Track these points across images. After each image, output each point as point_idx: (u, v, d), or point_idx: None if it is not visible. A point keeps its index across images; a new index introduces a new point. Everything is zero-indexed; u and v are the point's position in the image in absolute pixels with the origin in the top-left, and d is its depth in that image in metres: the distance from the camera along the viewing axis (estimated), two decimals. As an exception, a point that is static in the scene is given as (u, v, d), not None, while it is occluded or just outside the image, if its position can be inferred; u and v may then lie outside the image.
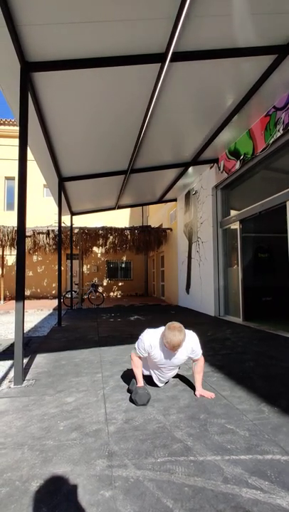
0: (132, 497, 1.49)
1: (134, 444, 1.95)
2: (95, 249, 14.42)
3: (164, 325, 2.66)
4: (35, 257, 15.41)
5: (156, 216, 15.05)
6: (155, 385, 2.90)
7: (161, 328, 2.67)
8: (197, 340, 2.79)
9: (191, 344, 2.70)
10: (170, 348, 2.51)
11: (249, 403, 2.54)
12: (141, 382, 2.70)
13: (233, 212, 7.61)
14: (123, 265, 16.85)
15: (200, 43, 3.66)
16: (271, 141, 5.51)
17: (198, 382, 2.79)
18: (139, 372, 2.74)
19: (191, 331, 2.77)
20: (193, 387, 2.90)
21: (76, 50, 3.50)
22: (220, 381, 3.06)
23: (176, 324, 2.53)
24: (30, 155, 4.66)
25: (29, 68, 3.56)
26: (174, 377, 3.16)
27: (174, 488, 1.55)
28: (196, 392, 2.74)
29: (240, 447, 1.89)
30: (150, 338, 2.67)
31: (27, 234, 11.95)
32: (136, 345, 2.75)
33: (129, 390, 2.80)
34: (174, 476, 1.64)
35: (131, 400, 2.61)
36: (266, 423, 2.19)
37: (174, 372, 2.94)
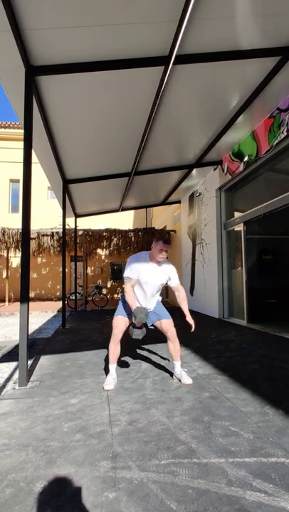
0: (135, 499, 1.49)
1: (138, 445, 1.95)
2: (99, 251, 14.45)
3: None
4: (39, 259, 15.47)
5: (160, 218, 15.06)
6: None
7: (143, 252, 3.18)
8: (173, 268, 3.24)
9: (168, 264, 3.16)
10: (161, 248, 2.95)
11: (253, 405, 2.53)
12: (136, 305, 2.95)
13: (237, 214, 7.60)
14: (127, 267, 16.84)
15: (203, 45, 3.67)
16: (275, 143, 5.50)
17: (185, 310, 3.15)
18: (132, 297, 3.00)
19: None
20: (197, 390, 2.89)
21: (80, 54, 3.53)
22: (224, 383, 3.05)
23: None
24: (34, 157, 4.70)
25: (34, 72, 3.60)
26: (177, 379, 3.16)
27: (177, 490, 1.55)
28: (187, 318, 3.08)
29: (245, 450, 1.89)
30: (136, 258, 3.11)
31: (31, 236, 12.02)
32: (126, 271, 3.06)
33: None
34: (177, 478, 1.63)
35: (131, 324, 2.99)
36: (270, 425, 2.18)
37: (156, 300, 3.28)
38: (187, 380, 3.08)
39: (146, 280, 3.07)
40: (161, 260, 3.04)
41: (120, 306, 3.22)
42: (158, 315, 3.21)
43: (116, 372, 3.21)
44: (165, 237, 3.01)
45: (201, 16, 3.21)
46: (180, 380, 3.12)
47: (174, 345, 3.20)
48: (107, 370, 3.34)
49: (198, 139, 6.31)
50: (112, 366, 3.18)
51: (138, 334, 2.94)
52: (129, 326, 3.08)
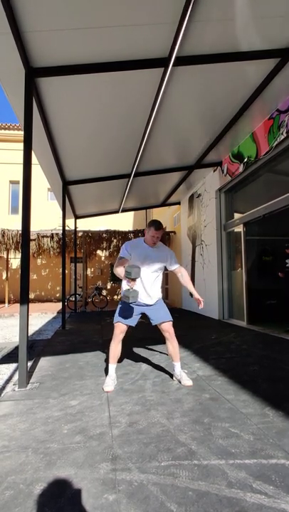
0: (135, 501, 1.49)
1: (138, 447, 1.95)
2: (98, 252, 14.45)
3: None
4: (39, 260, 15.46)
5: (160, 219, 14.99)
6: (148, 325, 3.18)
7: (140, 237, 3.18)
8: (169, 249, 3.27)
9: (163, 247, 3.18)
10: (154, 233, 2.97)
11: (253, 407, 2.52)
12: (123, 270, 2.85)
13: (236, 215, 7.60)
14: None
15: (203, 47, 3.68)
16: (275, 144, 5.51)
17: (192, 290, 3.22)
18: (121, 269, 2.91)
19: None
20: (197, 391, 2.89)
21: (80, 56, 3.54)
22: (224, 385, 3.05)
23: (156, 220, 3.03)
24: (34, 159, 4.70)
25: (34, 74, 3.61)
26: (177, 380, 3.16)
27: (177, 492, 1.55)
28: (195, 296, 3.18)
29: (245, 451, 1.88)
30: (131, 241, 3.15)
31: (31, 237, 12.02)
32: (120, 253, 3.10)
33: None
34: (177, 480, 1.63)
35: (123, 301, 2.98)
36: (271, 427, 2.18)
37: (156, 290, 3.19)
38: (187, 381, 3.08)
39: (142, 262, 3.05)
40: (155, 244, 3.09)
41: (120, 309, 3.18)
42: (160, 316, 3.17)
43: (116, 373, 3.21)
44: (159, 225, 2.98)
45: (201, 18, 3.22)
46: (180, 382, 3.12)
47: (172, 345, 3.19)
48: (107, 371, 3.34)
49: (197, 140, 6.32)
50: (112, 366, 3.18)
51: (134, 295, 2.82)
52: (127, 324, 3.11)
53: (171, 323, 3.21)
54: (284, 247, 6.07)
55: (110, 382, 3.04)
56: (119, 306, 3.18)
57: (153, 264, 3.10)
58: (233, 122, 5.55)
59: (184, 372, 3.23)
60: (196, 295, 3.18)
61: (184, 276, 3.23)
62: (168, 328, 3.15)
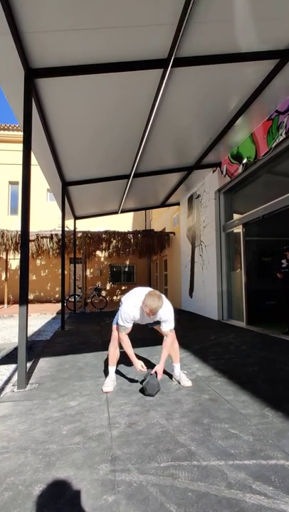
0: (135, 502, 1.49)
1: (138, 448, 1.95)
2: (98, 253, 14.44)
3: None
4: (38, 261, 15.46)
5: (159, 220, 15.07)
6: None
7: (136, 297, 2.94)
8: (170, 313, 2.98)
9: (163, 310, 2.90)
10: (148, 312, 2.76)
11: (253, 408, 2.52)
12: (136, 360, 2.91)
13: (236, 216, 7.61)
14: (126, 269, 16.86)
15: (202, 48, 3.69)
16: (274, 145, 5.52)
17: (161, 359, 2.99)
18: (131, 351, 2.94)
19: (169, 304, 3.01)
20: (196, 392, 2.89)
21: (80, 57, 3.55)
22: (223, 385, 3.05)
23: (157, 292, 2.81)
24: (33, 160, 4.70)
25: (33, 74, 3.61)
26: (177, 381, 3.16)
27: (177, 493, 1.54)
28: (156, 367, 2.93)
29: (244, 452, 1.88)
30: (131, 309, 2.92)
31: (30, 238, 12.02)
32: (121, 320, 2.96)
33: (142, 389, 2.86)
34: (177, 481, 1.63)
35: (141, 390, 2.84)
36: (270, 428, 2.18)
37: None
38: (186, 382, 3.08)
39: (141, 322, 3.10)
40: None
41: (120, 313, 3.08)
42: (162, 326, 3.12)
43: (115, 374, 3.21)
44: (153, 310, 2.81)
45: (200, 19, 3.23)
46: (179, 382, 3.11)
47: (173, 347, 3.19)
48: (106, 372, 3.33)
49: (197, 141, 6.33)
50: (112, 368, 3.18)
51: (151, 389, 2.80)
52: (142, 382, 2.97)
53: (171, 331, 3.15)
54: (283, 248, 6.06)
55: (110, 383, 3.04)
56: (120, 310, 3.12)
57: (151, 322, 3.11)
58: (232, 123, 5.55)
59: (183, 373, 3.23)
60: (159, 364, 2.98)
61: (166, 340, 3.05)
62: (167, 333, 3.07)
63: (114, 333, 3.14)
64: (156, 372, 2.90)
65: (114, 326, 3.16)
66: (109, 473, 1.71)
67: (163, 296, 2.89)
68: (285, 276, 5.89)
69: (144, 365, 2.92)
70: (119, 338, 3.01)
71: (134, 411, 2.51)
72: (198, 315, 8.93)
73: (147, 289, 3.00)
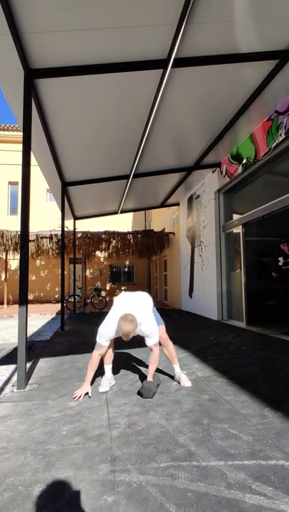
0: (134, 502, 1.48)
1: (137, 448, 1.95)
2: (97, 253, 14.44)
3: (166, 328, 2.98)
4: (38, 261, 15.46)
5: (159, 220, 15.08)
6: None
7: (112, 317, 2.87)
8: (151, 329, 2.90)
9: (141, 329, 2.86)
10: (122, 335, 2.72)
11: (253, 408, 2.52)
12: (89, 381, 2.89)
13: (235, 216, 7.61)
14: (126, 269, 16.86)
15: (202, 48, 3.70)
16: (273, 146, 5.52)
17: (149, 373, 2.95)
18: (91, 374, 2.91)
19: (149, 319, 2.93)
20: (196, 392, 2.89)
21: (79, 57, 3.55)
22: (223, 386, 3.05)
23: (129, 316, 2.74)
24: (33, 160, 4.70)
25: (33, 75, 3.61)
26: (177, 382, 3.16)
27: (177, 493, 1.54)
28: (144, 382, 2.90)
29: (244, 452, 1.88)
30: (109, 328, 2.87)
31: (30, 238, 12.02)
32: (98, 339, 2.92)
33: (139, 393, 2.85)
34: (177, 481, 1.63)
35: (138, 393, 2.84)
36: (270, 428, 2.18)
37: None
38: (186, 382, 3.07)
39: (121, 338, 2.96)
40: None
41: (106, 323, 2.94)
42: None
43: (112, 374, 3.20)
44: (126, 335, 2.71)
45: (200, 20, 3.23)
46: (179, 383, 3.11)
47: (168, 349, 3.19)
48: (102, 372, 3.33)
49: (196, 142, 6.33)
50: (107, 367, 3.17)
51: (148, 393, 2.79)
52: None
53: (162, 327, 3.18)
54: (280, 241, 6.03)
55: (106, 383, 3.04)
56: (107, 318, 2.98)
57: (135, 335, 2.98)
58: (232, 123, 5.56)
59: (183, 373, 3.23)
60: (148, 378, 2.94)
61: (152, 355, 2.98)
62: (160, 333, 3.05)
63: (95, 357, 2.99)
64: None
65: (94, 353, 3.02)
66: (109, 473, 1.71)
67: (138, 311, 2.84)
68: (284, 275, 5.86)
69: (85, 394, 2.83)
70: (92, 356, 2.93)
71: (133, 411, 2.50)
72: (198, 315, 8.93)
73: (131, 303, 2.94)
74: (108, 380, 3.10)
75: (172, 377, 3.28)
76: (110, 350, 3.17)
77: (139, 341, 3.03)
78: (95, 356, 2.93)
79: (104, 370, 3.18)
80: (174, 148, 6.56)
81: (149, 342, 2.93)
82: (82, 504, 1.48)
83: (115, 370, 3.61)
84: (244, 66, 4.10)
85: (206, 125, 5.66)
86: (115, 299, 3.14)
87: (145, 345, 2.99)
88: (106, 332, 2.88)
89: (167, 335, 3.24)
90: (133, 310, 2.85)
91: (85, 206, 9.81)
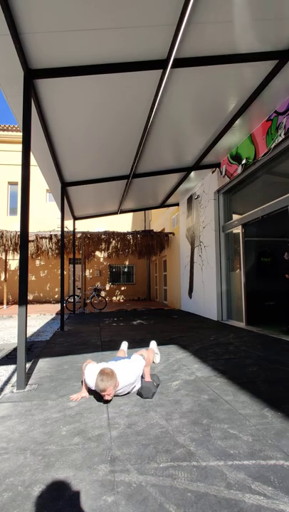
0: (134, 502, 1.49)
1: (137, 449, 1.95)
2: (97, 253, 14.46)
3: (166, 328, 2.74)
4: (38, 262, 15.46)
5: (159, 220, 15.09)
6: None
7: (95, 367, 2.77)
8: (131, 376, 2.78)
9: (123, 379, 2.71)
10: (102, 395, 2.58)
11: (252, 408, 2.53)
12: (83, 390, 2.86)
13: (235, 217, 7.62)
14: (126, 269, 16.87)
15: (201, 49, 3.70)
16: (273, 146, 5.53)
17: (145, 375, 2.95)
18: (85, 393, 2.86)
19: (128, 369, 2.81)
20: (196, 393, 2.89)
21: (79, 57, 3.55)
22: (223, 386, 3.05)
23: (108, 370, 2.60)
24: (33, 160, 4.70)
25: (32, 75, 3.61)
26: (177, 381, 3.16)
27: (176, 493, 1.54)
28: (145, 379, 2.95)
29: (243, 452, 1.88)
30: (90, 376, 2.73)
31: (30, 238, 12.02)
32: (84, 376, 2.80)
33: (139, 393, 2.85)
34: (176, 482, 1.63)
35: (138, 393, 2.83)
36: (269, 428, 2.18)
37: (130, 391, 2.90)
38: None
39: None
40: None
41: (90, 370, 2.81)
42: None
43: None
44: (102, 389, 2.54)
45: (199, 20, 3.24)
46: (159, 384, 3.06)
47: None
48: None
49: (196, 142, 6.33)
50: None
51: (147, 392, 2.77)
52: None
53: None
54: (284, 249, 6.06)
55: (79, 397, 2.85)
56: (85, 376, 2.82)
57: (121, 392, 2.84)
58: (232, 124, 5.57)
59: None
60: (145, 379, 2.94)
61: (144, 358, 2.99)
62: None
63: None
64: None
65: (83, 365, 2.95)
66: (109, 473, 1.71)
67: (114, 372, 2.63)
68: None
69: (81, 397, 2.80)
70: (82, 368, 2.90)
71: (133, 411, 2.50)
72: (198, 315, 8.93)
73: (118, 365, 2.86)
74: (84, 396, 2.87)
75: (172, 379, 3.28)
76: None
77: (139, 341, 3.02)
78: (84, 368, 2.86)
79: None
80: (173, 148, 6.57)
81: (139, 365, 2.91)
82: (82, 504, 1.48)
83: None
84: (243, 66, 4.11)
85: (205, 125, 5.66)
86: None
87: (145, 345, 2.99)
88: (88, 379, 2.76)
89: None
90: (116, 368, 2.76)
91: (85, 206, 9.82)
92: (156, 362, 3.89)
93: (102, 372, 2.57)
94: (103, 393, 2.55)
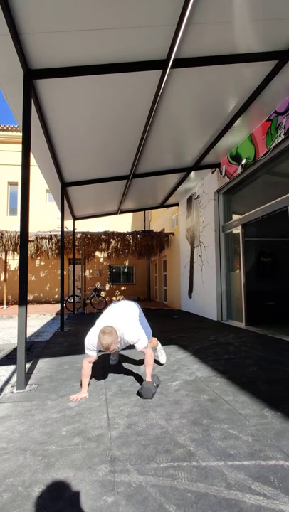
0: (134, 503, 1.48)
1: (137, 449, 1.95)
2: (97, 253, 14.45)
3: (165, 328, 2.76)
4: (37, 262, 15.45)
5: (159, 221, 15.09)
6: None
7: (95, 329, 2.93)
8: (136, 334, 2.93)
9: (125, 339, 2.91)
10: (104, 350, 2.74)
11: (252, 408, 2.53)
12: (85, 389, 2.89)
13: (235, 217, 7.62)
14: (125, 270, 16.87)
15: (201, 49, 3.70)
16: (273, 146, 5.53)
17: (146, 376, 2.92)
18: (86, 381, 2.93)
19: (133, 325, 2.98)
20: (196, 393, 2.89)
21: (79, 57, 3.55)
22: (223, 386, 3.05)
23: (108, 328, 2.74)
24: (33, 160, 4.70)
25: (32, 75, 3.61)
26: (176, 382, 3.16)
27: (176, 493, 1.54)
28: (146, 379, 2.90)
29: (243, 452, 1.88)
30: (92, 339, 2.89)
31: (30, 239, 12.02)
32: (86, 347, 2.95)
33: (139, 393, 2.85)
34: (176, 482, 1.63)
35: (138, 393, 2.83)
36: (269, 428, 2.18)
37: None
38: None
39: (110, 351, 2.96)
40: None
41: (90, 335, 2.94)
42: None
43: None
44: (106, 346, 2.68)
45: (199, 21, 3.24)
46: (159, 384, 3.02)
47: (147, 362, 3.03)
48: (105, 373, 3.33)
49: (196, 142, 6.34)
50: (84, 384, 2.97)
51: (147, 392, 2.78)
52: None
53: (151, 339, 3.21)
54: (285, 249, 6.05)
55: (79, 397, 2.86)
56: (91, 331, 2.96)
57: (120, 348, 3.07)
58: (232, 124, 5.57)
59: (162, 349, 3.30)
60: (146, 379, 2.90)
61: (145, 358, 2.99)
62: (144, 351, 2.99)
63: (85, 366, 3.01)
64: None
65: (83, 362, 3.03)
66: (109, 474, 1.71)
67: (121, 321, 2.91)
68: None
69: (81, 397, 2.80)
70: (82, 365, 2.96)
71: (133, 412, 2.50)
72: (198, 315, 8.93)
73: (114, 314, 3.02)
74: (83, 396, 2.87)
75: (172, 379, 3.28)
76: (89, 368, 3.03)
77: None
78: (85, 365, 2.95)
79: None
80: (173, 148, 6.57)
81: (138, 347, 2.94)
82: (82, 505, 1.48)
83: (115, 371, 3.62)
84: (243, 67, 4.11)
85: (205, 125, 5.67)
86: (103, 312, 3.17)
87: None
88: (89, 343, 2.92)
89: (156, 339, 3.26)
90: (115, 321, 2.90)
91: (85, 206, 9.82)
92: (162, 362, 3.84)
93: (103, 332, 2.71)
94: (108, 350, 2.71)
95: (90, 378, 3.34)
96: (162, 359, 3.88)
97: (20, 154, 3.51)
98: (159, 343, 3.84)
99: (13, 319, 9.90)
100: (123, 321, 2.95)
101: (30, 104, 3.53)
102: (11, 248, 11.98)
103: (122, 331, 2.87)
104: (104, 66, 3.70)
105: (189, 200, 10.12)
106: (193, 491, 1.56)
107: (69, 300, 11.82)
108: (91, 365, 3.00)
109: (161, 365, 3.81)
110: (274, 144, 5.48)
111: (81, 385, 2.95)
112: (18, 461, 1.85)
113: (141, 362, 3.98)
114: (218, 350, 4.58)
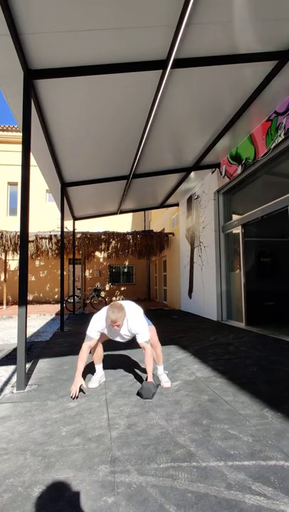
0: (134, 503, 1.48)
1: (137, 449, 1.95)
2: (97, 253, 14.44)
3: (166, 328, 2.77)
4: (37, 262, 15.45)
5: (159, 221, 15.08)
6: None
7: (102, 311, 2.99)
8: (140, 325, 2.94)
9: (130, 325, 2.93)
10: (111, 324, 2.82)
11: (252, 408, 2.52)
12: (80, 373, 2.88)
13: (235, 217, 7.62)
14: (125, 270, 16.86)
15: (201, 49, 3.70)
16: (273, 146, 5.53)
17: (148, 374, 2.90)
18: (82, 366, 2.91)
19: (138, 316, 2.99)
20: (196, 393, 2.89)
21: (79, 58, 3.55)
22: (223, 386, 3.05)
23: (117, 304, 2.86)
24: (32, 160, 4.70)
25: (32, 75, 3.61)
26: (177, 382, 3.16)
27: (176, 494, 1.54)
28: (148, 380, 2.89)
29: (244, 453, 1.88)
30: (98, 321, 2.97)
31: (30, 239, 12.01)
32: (88, 331, 3.00)
33: (139, 394, 2.85)
34: (176, 482, 1.63)
35: (138, 394, 2.83)
36: (269, 428, 2.18)
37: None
38: (166, 383, 3.08)
39: (112, 337, 3.12)
40: (120, 327, 2.89)
41: (97, 316, 3.03)
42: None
43: (102, 371, 3.27)
44: (114, 318, 2.76)
45: (199, 21, 3.24)
46: (160, 384, 3.07)
47: (156, 351, 3.18)
48: (104, 375, 3.33)
49: (196, 142, 6.34)
50: (98, 366, 3.23)
51: (147, 393, 2.77)
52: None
53: (152, 328, 3.21)
54: (285, 249, 6.04)
55: (96, 380, 3.12)
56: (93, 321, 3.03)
57: (123, 338, 3.09)
58: (232, 124, 5.57)
59: (165, 373, 3.23)
60: (148, 379, 2.89)
61: (145, 354, 2.95)
62: (143, 346, 2.96)
63: (84, 349, 3.05)
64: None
65: (83, 345, 3.09)
66: (109, 474, 1.71)
67: (128, 307, 2.96)
68: None
69: (79, 389, 2.83)
70: (81, 348, 2.98)
71: (133, 412, 2.50)
72: (198, 315, 8.93)
73: (124, 303, 3.05)
74: (99, 377, 3.15)
75: (172, 379, 3.28)
76: (100, 350, 3.21)
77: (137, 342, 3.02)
78: (85, 348, 2.97)
79: (95, 369, 3.23)
80: (173, 148, 6.57)
81: (140, 339, 2.94)
82: (82, 505, 1.48)
83: (115, 371, 3.62)
84: (243, 67, 4.11)
85: (205, 125, 5.67)
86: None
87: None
88: (95, 324, 2.97)
89: (158, 339, 3.27)
90: (124, 304, 2.96)
91: (85, 207, 9.82)
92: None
93: (113, 306, 2.82)
94: (114, 324, 2.78)
95: (89, 380, 3.35)
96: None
97: (20, 154, 3.51)
98: (161, 359, 3.30)
99: (13, 319, 9.89)
100: (130, 309, 2.99)
101: (30, 105, 3.53)
102: (11, 248, 11.98)
103: (128, 315, 2.92)
104: (104, 66, 3.70)
105: (189, 200, 10.12)
106: (193, 491, 1.56)
107: (69, 300, 11.81)
108: (90, 349, 3.04)
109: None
110: (274, 144, 5.49)
111: (77, 369, 2.92)
112: (18, 461, 1.85)
113: (140, 362, 3.98)
114: (218, 350, 4.58)
